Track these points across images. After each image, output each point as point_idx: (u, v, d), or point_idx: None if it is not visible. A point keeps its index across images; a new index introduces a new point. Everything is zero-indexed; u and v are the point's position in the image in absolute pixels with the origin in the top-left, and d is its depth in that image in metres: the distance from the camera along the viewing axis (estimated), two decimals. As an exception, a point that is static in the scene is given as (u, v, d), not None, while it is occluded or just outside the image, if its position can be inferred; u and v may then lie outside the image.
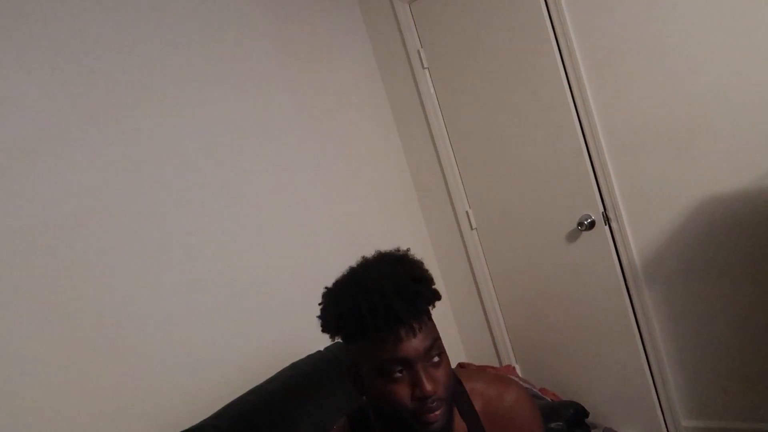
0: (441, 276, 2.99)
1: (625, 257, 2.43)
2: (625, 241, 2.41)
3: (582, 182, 2.44)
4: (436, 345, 1.05)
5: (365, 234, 2.65)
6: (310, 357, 1.98)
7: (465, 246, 2.88)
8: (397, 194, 2.90)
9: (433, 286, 1.08)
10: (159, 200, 1.96)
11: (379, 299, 0.99)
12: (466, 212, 2.85)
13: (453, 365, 2.63)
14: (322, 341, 2.06)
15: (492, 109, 2.64)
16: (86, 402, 1.65)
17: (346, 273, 1.12)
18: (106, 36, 1.93)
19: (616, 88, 2.29)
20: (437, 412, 1.03)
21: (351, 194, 2.66)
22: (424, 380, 1.00)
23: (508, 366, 2.85)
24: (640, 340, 2.48)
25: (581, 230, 2.48)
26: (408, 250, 1.14)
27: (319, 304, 1.12)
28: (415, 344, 1.01)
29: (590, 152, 2.40)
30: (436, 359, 1.04)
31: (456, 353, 2.95)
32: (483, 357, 2.96)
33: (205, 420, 1.68)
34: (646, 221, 2.36)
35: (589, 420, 2.55)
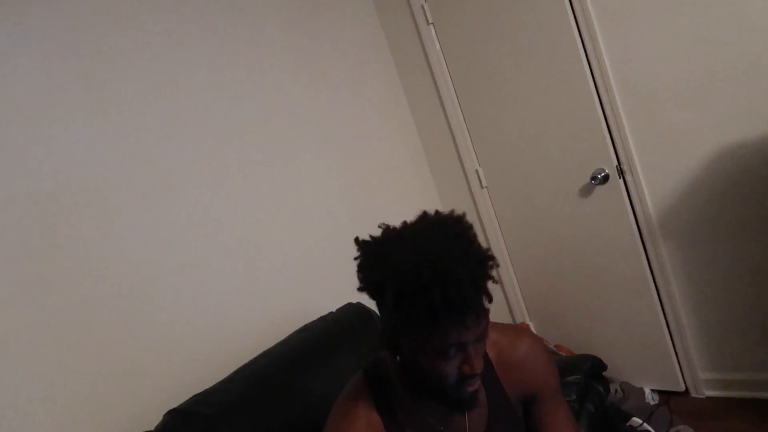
0: (452, 237, 2.95)
1: (640, 211, 2.38)
2: (640, 195, 2.35)
3: (595, 135, 2.37)
4: (487, 327, 1.04)
5: (375, 195, 2.62)
6: (321, 319, 1.97)
7: (475, 205, 2.84)
8: (406, 154, 2.85)
9: (496, 265, 1.04)
10: (175, 168, 1.94)
11: (455, 290, 0.93)
12: (476, 170, 2.79)
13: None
14: (333, 304, 2.06)
15: (500, 64, 2.56)
16: (99, 362, 1.64)
17: (399, 234, 1.04)
18: (123, 11, 1.88)
19: (629, 37, 2.20)
20: (477, 384, 1.07)
21: (359, 155, 2.62)
22: (474, 361, 1.02)
23: (523, 323, 2.83)
24: (656, 294, 2.44)
25: (595, 184, 2.42)
26: (464, 215, 1.06)
27: (357, 260, 1.06)
28: (476, 330, 1.00)
29: (603, 104, 2.33)
30: (484, 335, 1.04)
31: (469, 314, 2.93)
32: (496, 315, 2.93)
33: (218, 383, 1.67)
34: (662, 174, 2.30)
35: (606, 374, 2.54)
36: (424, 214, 1.08)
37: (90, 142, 1.76)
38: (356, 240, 1.08)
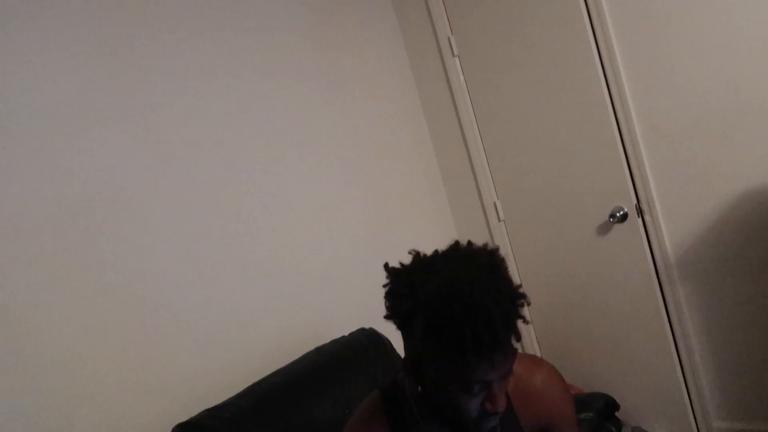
0: (467, 268, 2.94)
1: (658, 251, 2.36)
2: (659, 235, 2.34)
3: (615, 173, 2.37)
4: (513, 364, 1.02)
5: (394, 223, 2.63)
6: (334, 342, 1.96)
7: (492, 238, 2.83)
8: (425, 184, 2.87)
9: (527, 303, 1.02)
10: (201, 182, 1.98)
11: (486, 327, 0.91)
12: (494, 203, 2.80)
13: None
14: (347, 326, 2.05)
15: (522, 98, 2.59)
16: (112, 371, 1.65)
17: (431, 264, 1.02)
18: (145, 21, 1.94)
19: (653, 75, 2.22)
20: (497, 421, 1.05)
21: (379, 183, 2.63)
22: (498, 399, 1.00)
23: (534, 360, 2.80)
24: (672, 337, 2.41)
25: (613, 222, 2.42)
26: (498, 249, 1.05)
27: (386, 287, 1.04)
28: (502, 368, 0.98)
29: (624, 141, 2.34)
30: (509, 372, 1.02)
31: (480, 347, 2.90)
32: (508, 351, 2.91)
33: (228, 399, 1.67)
34: (682, 214, 2.29)
35: (618, 415, 2.50)
36: (456, 244, 1.07)
37: (119, 149, 1.79)
38: (386, 266, 1.06)
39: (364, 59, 2.70)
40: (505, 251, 2.81)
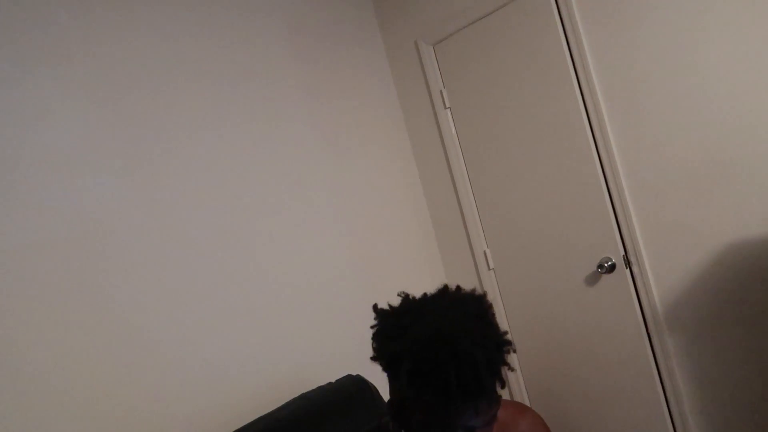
0: (457, 316, 2.94)
1: (646, 302, 2.38)
2: (647, 286, 2.36)
3: (602, 224, 2.41)
4: (497, 411, 1.02)
5: (383, 271, 2.65)
6: (320, 388, 1.95)
7: (482, 286, 2.85)
8: (416, 232, 2.90)
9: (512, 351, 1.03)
10: (189, 227, 2.01)
11: (471, 373, 0.92)
12: (484, 252, 2.82)
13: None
14: (333, 373, 2.04)
15: (512, 149, 2.66)
16: (96, 416, 1.63)
17: (419, 307, 1.03)
18: (146, 71, 2.00)
19: (638, 128, 2.29)
20: None
21: (370, 230, 2.66)
22: None
23: (524, 411, 2.76)
24: (661, 390, 2.40)
25: (601, 273, 2.44)
26: (485, 295, 1.06)
27: (374, 328, 1.05)
28: (486, 415, 0.98)
29: (611, 194, 2.39)
30: (492, 420, 1.02)
31: (470, 397, 2.87)
32: (497, 402, 2.88)
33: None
34: (669, 266, 2.31)
35: (607, 472, 2.45)
36: (445, 288, 1.09)
37: (116, 193, 1.83)
38: (375, 307, 1.07)
39: (359, 109, 2.77)
40: (495, 299, 2.82)
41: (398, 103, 3.01)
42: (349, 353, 2.17)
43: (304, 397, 1.90)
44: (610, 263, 2.41)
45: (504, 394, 2.87)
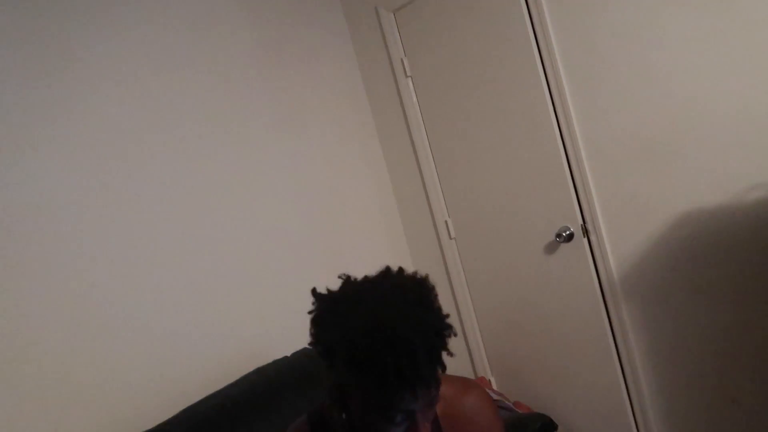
0: (419, 286, 2.95)
1: (603, 271, 2.40)
2: (604, 255, 2.38)
3: (562, 194, 2.41)
4: (438, 394, 1.02)
5: (344, 241, 2.62)
6: (276, 362, 1.93)
7: (443, 255, 2.85)
8: (377, 202, 2.88)
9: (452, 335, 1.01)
10: (143, 197, 1.96)
11: (409, 361, 0.91)
12: (446, 221, 2.81)
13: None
14: (289, 348, 2.03)
15: (473, 119, 2.62)
16: (42, 388, 1.60)
17: (357, 293, 1.01)
18: (102, 41, 1.92)
19: (597, 99, 2.27)
20: None
21: (330, 200, 2.63)
22: (421, 427, 0.99)
23: (482, 378, 2.81)
24: (617, 356, 2.44)
25: (560, 242, 2.45)
26: (428, 277, 1.04)
27: (311, 313, 1.03)
28: (425, 397, 0.98)
29: (570, 164, 2.38)
30: (434, 402, 1.02)
31: (432, 365, 2.90)
32: (458, 368, 2.91)
33: (159, 424, 1.63)
34: (626, 235, 2.33)
35: (563, 436, 2.51)
36: (387, 270, 1.07)
37: (61, 165, 1.76)
38: (313, 292, 1.05)
39: (318, 78, 2.71)
40: (456, 269, 2.83)
41: (359, 71, 2.94)
42: (306, 326, 2.15)
43: (259, 372, 1.89)
44: (568, 232, 2.42)
45: (466, 362, 2.90)
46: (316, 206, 2.56)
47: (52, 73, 1.79)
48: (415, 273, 1.05)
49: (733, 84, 2.00)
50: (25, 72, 1.73)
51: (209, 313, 2.04)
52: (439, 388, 1.01)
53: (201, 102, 2.20)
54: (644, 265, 2.31)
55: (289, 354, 2.00)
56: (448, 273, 2.85)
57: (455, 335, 1.02)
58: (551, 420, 1.75)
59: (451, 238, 2.82)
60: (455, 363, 2.92)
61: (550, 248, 2.51)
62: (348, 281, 1.06)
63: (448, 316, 1.02)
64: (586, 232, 2.41)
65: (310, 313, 1.04)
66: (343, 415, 1.09)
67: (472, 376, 2.88)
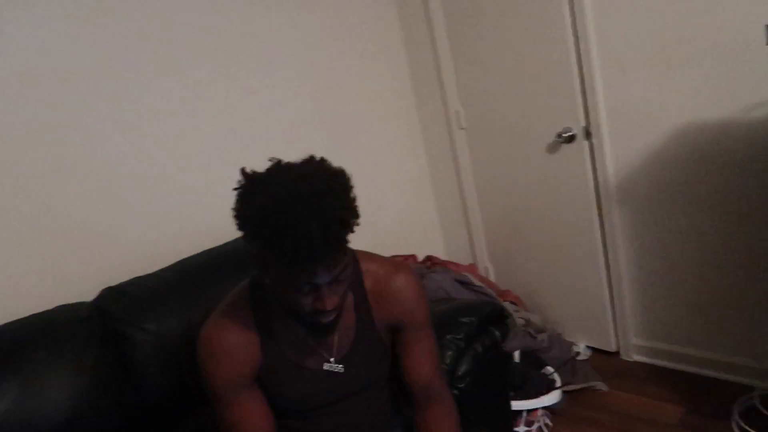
0: (429, 171, 3.04)
1: (601, 174, 2.41)
2: (603, 158, 2.38)
3: (568, 93, 2.38)
4: (344, 272, 1.12)
5: (357, 124, 2.70)
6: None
7: (453, 144, 2.90)
8: (392, 85, 2.89)
9: (357, 224, 1.09)
10: (129, 67, 2.04)
11: (304, 243, 1.00)
12: (457, 111, 2.83)
13: (422, 258, 2.73)
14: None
15: (491, 13, 2.56)
16: (53, 235, 1.85)
17: (271, 177, 1.10)
18: None
19: (615, 3, 2.17)
20: (331, 317, 1.18)
21: (343, 82, 2.67)
22: (326, 300, 1.11)
23: (473, 265, 2.95)
24: (603, 257, 2.52)
25: (561, 142, 2.45)
26: (343, 170, 1.12)
27: (236, 190, 1.12)
28: (328, 275, 1.08)
29: (581, 63, 2.31)
30: (340, 279, 1.13)
31: (435, 248, 3.06)
32: (460, 255, 3.06)
33: (156, 271, 1.85)
34: (627, 141, 2.31)
35: (544, 325, 2.68)
36: (310, 159, 1.15)
37: (66, 34, 1.89)
38: (242, 171, 1.14)
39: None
40: (464, 158, 2.89)
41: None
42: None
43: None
44: (570, 133, 2.41)
45: (466, 249, 3.04)
46: (326, 86, 2.61)
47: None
48: (332, 168, 1.13)
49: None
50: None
51: (212, 176, 2.21)
52: (345, 266, 1.13)
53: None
54: (641, 172, 2.31)
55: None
56: (456, 161, 2.92)
57: (358, 222, 1.10)
58: (502, 308, 1.88)
59: (461, 128, 2.85)
60: (458, 250, 3.07)
61: (552, 147, 2.52)
62: (277, 164, 1.15)
63: (354, 208, 1.10)
64: (588, 134, 2.39)
65: (234, 189, 1.14)
66: (267, 281, 1.24)
67: (471, 261, 3.03)
